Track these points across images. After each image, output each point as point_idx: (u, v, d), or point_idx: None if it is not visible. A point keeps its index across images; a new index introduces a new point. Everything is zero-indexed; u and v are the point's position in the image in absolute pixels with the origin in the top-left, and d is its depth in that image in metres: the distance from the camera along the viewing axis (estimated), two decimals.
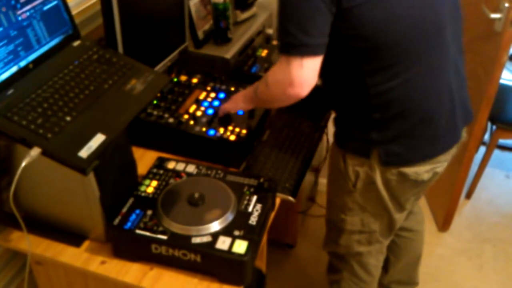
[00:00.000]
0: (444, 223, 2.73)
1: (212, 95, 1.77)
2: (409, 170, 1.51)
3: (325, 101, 1.66)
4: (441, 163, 1.57)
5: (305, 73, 1.34)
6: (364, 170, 1.53)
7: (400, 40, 1.35)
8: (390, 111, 1.43)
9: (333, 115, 1.64)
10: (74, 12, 1.49)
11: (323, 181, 2.73)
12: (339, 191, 1.65)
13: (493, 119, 2.70)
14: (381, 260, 1.87)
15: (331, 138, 2.30)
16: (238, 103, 1.61)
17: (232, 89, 1.80)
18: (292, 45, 1.32)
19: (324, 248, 1.89)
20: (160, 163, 1.52)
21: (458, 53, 1.51)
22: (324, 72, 1.43)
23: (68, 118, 1.20)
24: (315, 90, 1.38)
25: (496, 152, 3.21)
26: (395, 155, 1.48)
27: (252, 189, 1.43)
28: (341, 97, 1.54)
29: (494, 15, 2.08)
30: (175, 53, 1.85)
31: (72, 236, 1.40)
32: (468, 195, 2.98)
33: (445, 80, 1.46)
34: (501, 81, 2.31)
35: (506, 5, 2.01)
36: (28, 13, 1.26)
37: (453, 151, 1.58)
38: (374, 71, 1.39)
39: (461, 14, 1.50)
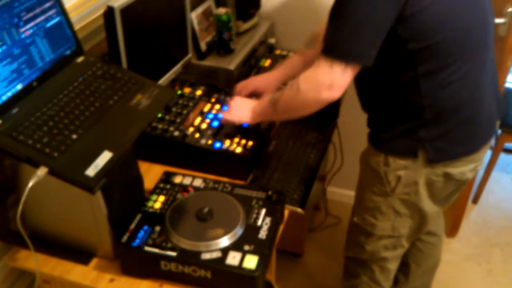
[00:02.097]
0: (452, 228, 2.71)
1: (217, 107, 1.76)
2: (455, 171, 1.51)
3: (335, 111, 1.64)
4: (481, 160, 1.58)
5: (346, 79, 1.33)
6: (408, 174, 1.51)
7: (457, 38, 1.35)
8: (440, 109, 1.42)
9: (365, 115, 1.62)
10: (76, 27, 1.48)
11: (330, 189, 2.73)
12: (373, 195, 1.63)
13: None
14: (398, 264, 1.85)
15: (337, 147, 2.29)
16: (245, 115, 1.59)
17: None
18: (344, 51, 1.31)
19: (346, 253, 1.87)
20: (166, 178, 1.51)
21: (493, 45, 1.52)
22: (368, 76, 1.42)
23: (74, 136, 1.18)
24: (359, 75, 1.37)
25: (502, 156, 3.20)
26: (442, 151, 1.47)
27: (260, 202, 1.42)
28: (387, 99, 1.51)
29: (498, 20, 2.06)
30: (178, 66, 1.84)
31: (80, 254, 1.39)
32: (475, 200, 2.96)
33: (489, 76, 1.48)
34: (506, 85, 2.29)
35: (510, 9, 2.00)
36: (31, 31, 1.25)
37: (489, 145, 1.58)
38: (430, 72, 1.38)
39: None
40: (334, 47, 1.33)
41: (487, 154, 2.92)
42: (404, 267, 2.08)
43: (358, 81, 1.53)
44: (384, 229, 1.66)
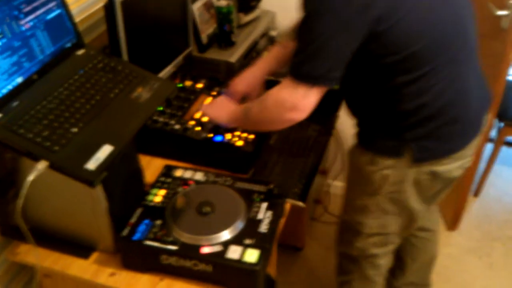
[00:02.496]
0: (452, 222, 2.71)
1: None
2: (441, 168, 1.50)
3: (336, 104, 1.63)
4: (468, 158, 1.56)
5: (310, 101, 1.33)
6: (394, 173, 1.51)
7: (432, 46, 1.33)
8: (424, 113, 1.41)
9: (353, 119, 1.62)
10: (77, 20, 1.47)
11: (331, 182, 2.72)
12: (360, 194, 1.63)
13: (500, 116, 2.67)
14: (390, 260, 1.86)
15: (339, 140, 2.29)
16: (222, 117, 1.58)
17: None
18: (307, 75, 1.30)
19: (337, 249, 1.87)
20: (167, 171, 1.50)
21: (474, 43, 1.50)
22: (350, 86, 1.41)
23: (74, 130, 1.18)
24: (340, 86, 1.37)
25: (504, 149, 3.19)
26: (427, 150, 1.47)
27: (261, 196, 1.41)
28: (370, 106, 1.51)
29: (500, 12, 2.05)
30: (179, 58, 1.83)
31: (80, 248, 1.38)
32: (476, 193, 2.95)
33: (470, 76, 1.47)
34: (508, 77, 2.28)
35: None
36: (31, 23, 1.24)
37: (477, 141, 1.57)
38: (409, 81, 1.36)
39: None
40: (297, 69, 1.32)
41: (488, 147, 2.92)
42: (400, 262, 2.08)
43: (343, 90, 1.53)
44: (373, 227, 1.66)
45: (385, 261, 1.81)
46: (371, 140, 1.54)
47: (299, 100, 1.32)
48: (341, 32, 1.25)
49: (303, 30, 1.30)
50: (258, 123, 1.49)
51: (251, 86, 1.73)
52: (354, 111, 1.59)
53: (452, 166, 1.52)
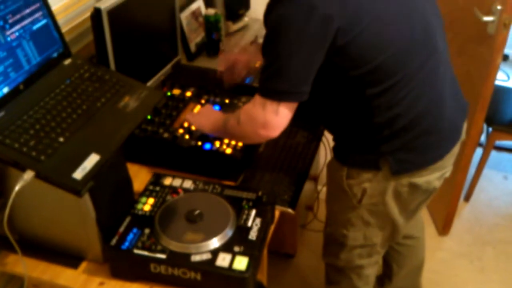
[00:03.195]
0: (444, 226, 2.72)
1: None
2: (420, 180, 1.50)
3: (319, 121, 1.63)
4: (448, 167, 1.56)
5: (280, 118, 1.33)
6: (373, 186, 1.50)
7: (397, 57, 1.33)
8: (398, 125, 1.41)
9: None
10: (63, 29, 1.47)
11: (321, 189, 2.72)
12: (341, 207, 1.62)
13: (489, 121, 2.69)
14: (377, 269, 1.85)
15: (328, 147, 2.29)
16: (205, 126, 1.58)
17: (227, 101, 1.78)
18: (273, 91, 1.30)
19: (324, 259, 1.87)
20: (156, 180, 1.50)
21: (444, 51, 1.50)
22: (320, 101, 1.41)
23: (61, 139, 1.18)
24: (310, 101, 1.36)
25: (493, 154, 3.21)
26: (405, 162, 1.46)
27: (250, 203, 1.41)
28: (344, 121, 1.51)
29: (486, 18, 2.07)
30: (168, 67, 1.83)
31: (69, 257, 1.38)
32: (467, 198, 2.97)
33: (442, 84, 1.46)
34: (496, 82, 2.30)
35: (499, 7, 2.01)
36: (17, 33, 1.24)
37: (456, 150, 1.56)
38: (378, 92, 1.36)
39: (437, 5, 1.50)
40: (264, 86, 1.32)
41: (478, 152, 2.94)
42: (387, 269, 2.09)
43: (315, 107, 1.52)
44: (357, 239, 1.66)
45: (372, 271, 1.80)
46: (347, 155, 1.53)
47: (271, 117, 1.33)
48: (303, 47, 1.25)
49: (267, 47, 1.30)
50: (234, 136, 1.50)
51: (243, 59, 1.73)
52: (328, 127, 1.59)
53: (432, 177, 1.52)
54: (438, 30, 1.45)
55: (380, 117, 1.40)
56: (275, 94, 1.31)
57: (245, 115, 1.39)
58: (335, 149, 1.59)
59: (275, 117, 1.32)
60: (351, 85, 1.37)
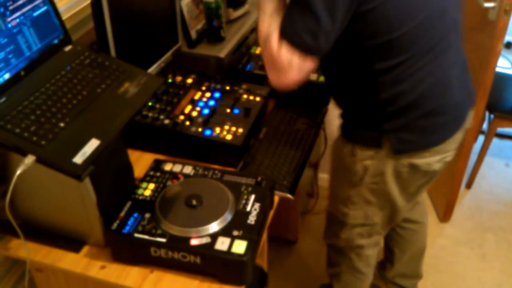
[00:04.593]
0: (445, 213, 2.73)
1: (207, 94, 1.77)
2: (421, 162, 1.51)
3: (325, 97, 1.63)
4: (450, 152, 1.57)
5: (301, 75, 1.33)
6: (374, 164, 1.52)
7: (412, 33, 1.34)
8: (401, 103, 1.42)
9: (338, 110, 1.63)
10: (64, 17, 1.48)
11: (322, 176, 2.74)
12: (343, 185, 1.65)
13: (490, 108, 2.69)
14: (377, 251, 1.87)
15: (328, 134, 2.30)
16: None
17: (227, 88, 1.79)
18: (305, 44, 1.28)
19: (324, 240, 1.89)
20: (156, 165, 1.51)
21: (458, 35, 1.50)
22: (331, 71, 1.41)
23: (61, 124, 1.19)
24: (311, 86, 1.37)
25: (495, 141, 3.21)
26: (407, 142, 1.48)
27: (250, 188, 1.43)
28: (350, 94, 1.52)
29: (487, 4, 2.07)
30: (168, 54, 1.84)
31: (71, 242, 1.39)
32: (468, 185, 2.97)
33: (451, 67, 1.47)
34: (497, 69, 2.30)
35: None
36: (18, 20, 1.25)
37: (459, 136, 1.57)
38: (387, 68, 1.37)
39: None
40: (299, 40, 1.30)
41: (479, 139, 2.94)
42: (390, 253, 2.11)
43: (327, 79, 1.54)
44: (357, 218, 1.68)
45: (372, 252, 1.82)
46: (352, 131, 1.56)
47: (293, 71, 1.32)
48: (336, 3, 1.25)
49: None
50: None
51: None
52: (337, 100, 1.61)
53: (432, 160, 1.52)
54: (455, 13, 1.46)
55: (384, 93, 1.41)
56: (306, 47, 1.29)
57: (270, 55, 1.36)
58: (341, 126, 1.61)
59: (297, 73, 1.32)
60: (362, 57, 1.38)
